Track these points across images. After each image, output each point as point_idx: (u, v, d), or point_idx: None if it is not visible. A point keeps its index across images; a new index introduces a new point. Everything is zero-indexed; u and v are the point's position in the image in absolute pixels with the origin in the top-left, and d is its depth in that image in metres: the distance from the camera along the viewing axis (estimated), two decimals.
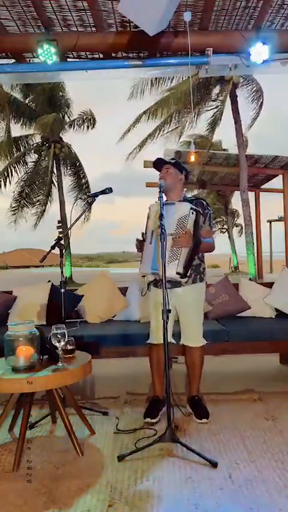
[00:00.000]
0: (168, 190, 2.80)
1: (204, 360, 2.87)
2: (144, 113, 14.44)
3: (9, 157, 17.10)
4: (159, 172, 2.85)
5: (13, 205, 18.34)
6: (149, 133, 14.95)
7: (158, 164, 2.86)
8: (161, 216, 2.40)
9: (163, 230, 2.38)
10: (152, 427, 2.62)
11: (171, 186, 2.79)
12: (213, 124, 14.14)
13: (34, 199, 18.66)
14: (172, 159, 2.94)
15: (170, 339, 2.69)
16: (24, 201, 18.46)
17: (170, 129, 14.69)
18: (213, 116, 14.17)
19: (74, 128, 18.50)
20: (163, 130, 14.69)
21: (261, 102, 14.48)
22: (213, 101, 14.19)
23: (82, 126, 18.43)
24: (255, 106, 14.50)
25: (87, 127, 18.41)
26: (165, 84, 13.81)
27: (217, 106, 14.09)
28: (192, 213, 2.60)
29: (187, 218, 2.59)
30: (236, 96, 13.85)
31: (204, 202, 2.85)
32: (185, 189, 2.97)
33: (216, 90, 14.07)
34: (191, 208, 2.59)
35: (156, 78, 13.44)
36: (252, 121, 14.96)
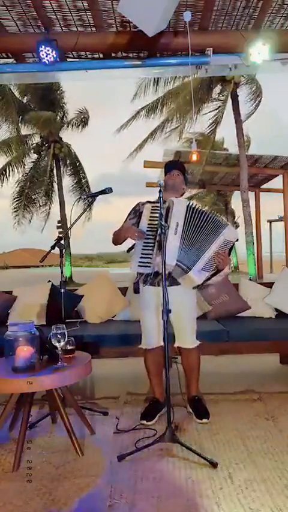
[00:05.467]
0: (171, 194, 2.79)
1: (200, 360, 2.86)
2: (143, 109, 14.42)
3: (18, 153, 17.14)
4: (166, 174, 2.87)
5: (14, 206, 18.37)
6: (149, 132, 14.93)
7: (170, 166, 2.89)
8: (160, 216, 2.41)
9: (163, 230, 2.38)
10: (152, 427, 2.61)
11: (177, 188, 2.84)
12: (215, 123, 14.13)
13: (35, 200, 18.68)
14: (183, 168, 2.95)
15: (161, 342, 2.58)
16: (25, 202, 18.48)
17: (170, 129, 14.68)
18: (215, 115, 14.15)
19: (72, 127, 18.51)
20: (163, 130, 14.68)
21: (259, 101, 14.46)
22: (214, 99, 14.15)
23: (79, 126, 18.44)
24: (253, 104, 14.48)
25: (82, 126, 18.41)
26: (168, 86, 13.81)
27: (219, 106, 14.07)
28: (237, 240, 2.73)
29: (231, 244, 2.68)
30: (237, 95, 13.84)
31: None
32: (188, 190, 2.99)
33: (217, 89, 14.05)
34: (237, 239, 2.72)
35: (158, 80, 13.43)
36: (246, 118, 14.92)
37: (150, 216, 2.64)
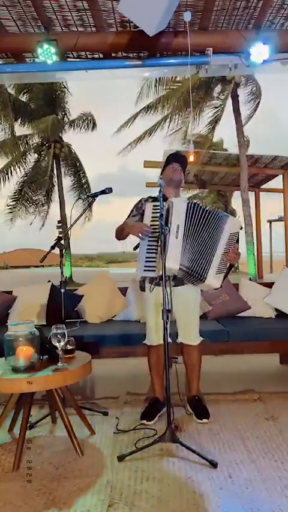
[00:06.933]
0: (174, 187, 2.80)
1: (202, 357, 2.88)
2: (144, 109, 14.40)
3: (13, 155, 17.11)
4: (166, 167, 2.85)
5: (10, 204, 18.35)
6: (145, 130, 14.90)
7: (174, 158, 2.86)
8: (161, 216, 2.41)
9: (162, 230, 2.39)
10: (152, 427, 2.61)
11: (178, 184, 2.85)
12: (214, 123, 14.10)
13: (35, 200, 18.66)
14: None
15: (161, 341, 2.56)
16: (24, 201, 18.45)
17: (171, 130, 14.66)
18: (214, 115, 14.11)
19: (73, 128, 18.50)
20: (161, 129, 14.66)
21: (259, 102, 14.43)
22: (215, 99, 14.13)
23: (81, 127, 18.42)
24: (253, 105, 14.47)
25: (87, 128, 18.38)
26: (170, 85, 13.78)
27: (219, 105, 14.04)
28: (242, 228, 2.73)
29: (236, 236, 2.67)
30: (238, 95, 13.82)
31: None
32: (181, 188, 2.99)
33: (217, 89, 14.03)
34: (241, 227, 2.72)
35: (159, 80, 13.41)
36: (248, 119, 14.90)
37: (152, 217, 2.63)
